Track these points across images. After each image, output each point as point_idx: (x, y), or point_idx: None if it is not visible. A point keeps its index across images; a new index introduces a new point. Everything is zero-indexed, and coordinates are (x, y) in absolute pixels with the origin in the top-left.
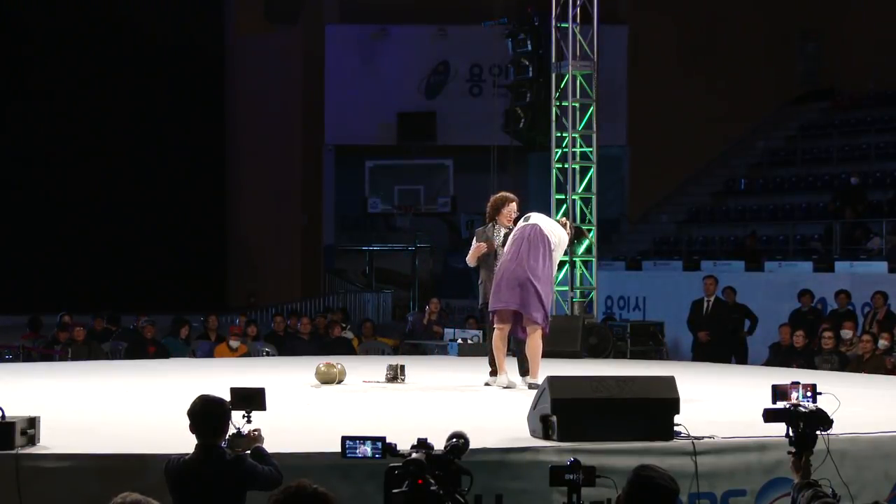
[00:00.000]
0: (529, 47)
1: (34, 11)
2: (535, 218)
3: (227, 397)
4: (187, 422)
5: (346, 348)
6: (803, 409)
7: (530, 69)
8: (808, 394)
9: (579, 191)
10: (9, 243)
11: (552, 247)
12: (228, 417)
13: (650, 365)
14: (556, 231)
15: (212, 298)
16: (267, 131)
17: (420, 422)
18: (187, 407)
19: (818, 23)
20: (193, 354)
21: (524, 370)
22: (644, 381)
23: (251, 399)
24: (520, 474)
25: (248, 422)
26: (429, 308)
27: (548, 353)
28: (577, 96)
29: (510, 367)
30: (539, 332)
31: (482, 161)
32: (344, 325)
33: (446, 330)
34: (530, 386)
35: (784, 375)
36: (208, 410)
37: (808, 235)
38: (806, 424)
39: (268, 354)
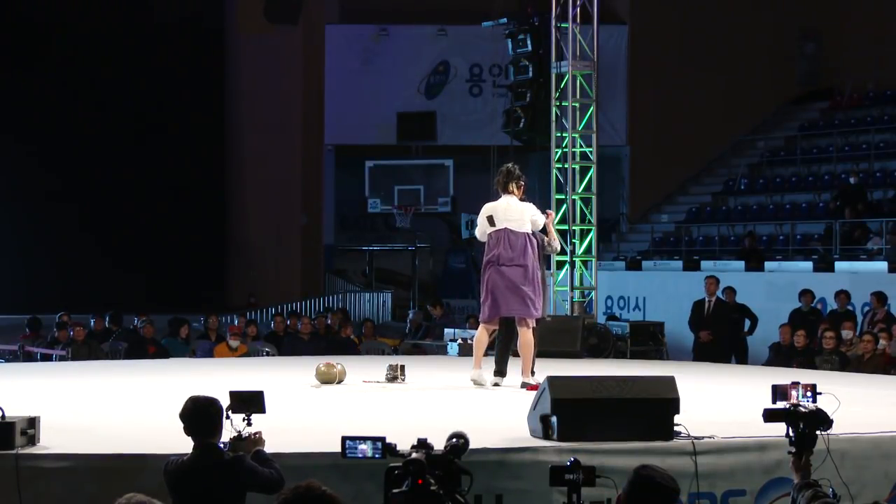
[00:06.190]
0: (529, 47)
1: (33, 11)
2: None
3: (227, 400)
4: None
5: (350, 348)
6: (803, 409)
7: (530, 69)
8: (808, 394)
9: (579, 191)
10: (9, 243)
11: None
12: (221, 414)
13: (650, 365)
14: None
15: (212, 298)
16: (267, 131)
17: (420, 422)
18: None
19: (818, 23)
20: (193, 354)
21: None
22: (644, 381)
23: (251, 402)
24: (520, 474)
25: (249, 425)
26: (415, 315)
27: (548, 353)
28: (577, 96)
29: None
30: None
31: (482, 161)
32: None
33: (446, 330)
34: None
35: (784, 375)
36: (200, 410)
37: (808, 235)
38: (806, 424)
39: (268, 354)
